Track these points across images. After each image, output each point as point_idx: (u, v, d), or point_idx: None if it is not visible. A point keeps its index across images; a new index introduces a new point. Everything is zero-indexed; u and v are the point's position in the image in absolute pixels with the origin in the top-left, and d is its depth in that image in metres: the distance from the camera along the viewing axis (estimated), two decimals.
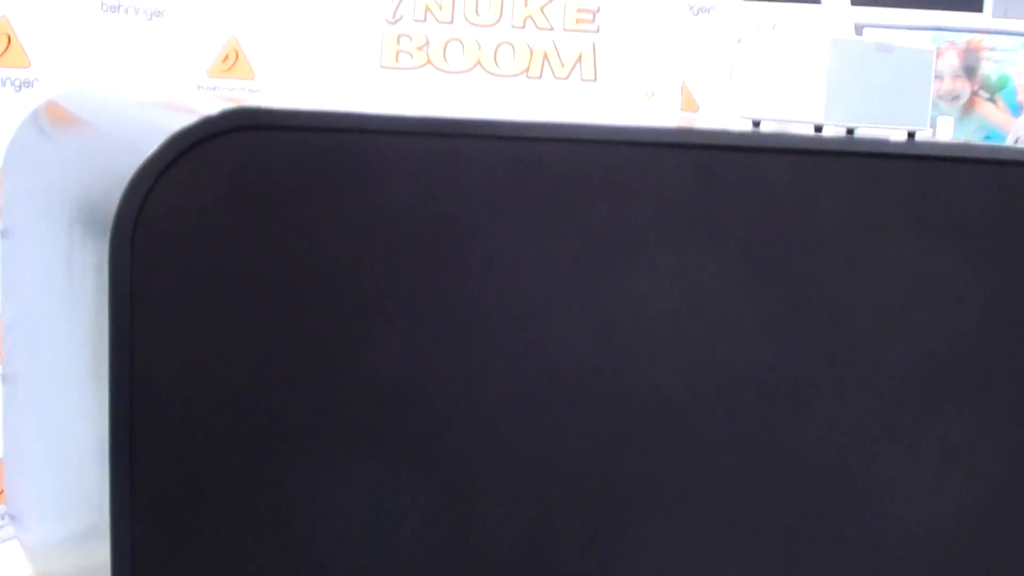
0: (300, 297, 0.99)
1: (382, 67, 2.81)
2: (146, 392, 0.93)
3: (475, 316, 1.07)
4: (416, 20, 2.76)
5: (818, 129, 1.57)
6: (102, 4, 2.46)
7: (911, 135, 1.64)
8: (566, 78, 2.77)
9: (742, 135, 1.24)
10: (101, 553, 1.26)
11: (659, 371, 1.18)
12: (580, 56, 2.77)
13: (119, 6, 2.48)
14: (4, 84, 2.23)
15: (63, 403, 1.28)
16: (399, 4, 2.77)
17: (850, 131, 1.57)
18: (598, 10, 2.78)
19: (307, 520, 1.03)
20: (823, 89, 1.55)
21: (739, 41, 3.05)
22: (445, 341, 1.06)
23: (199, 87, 2.73)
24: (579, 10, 2.79)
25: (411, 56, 2.77)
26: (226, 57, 2.78)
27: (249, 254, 0.96)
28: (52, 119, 1.55)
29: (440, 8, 2.77)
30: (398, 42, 2.78)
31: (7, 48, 2.22)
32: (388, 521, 1.06)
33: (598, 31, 2.77)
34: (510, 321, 1.08)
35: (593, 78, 2.78)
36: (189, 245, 0.92)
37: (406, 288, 1.05)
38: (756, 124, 1.63)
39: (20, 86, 2.26)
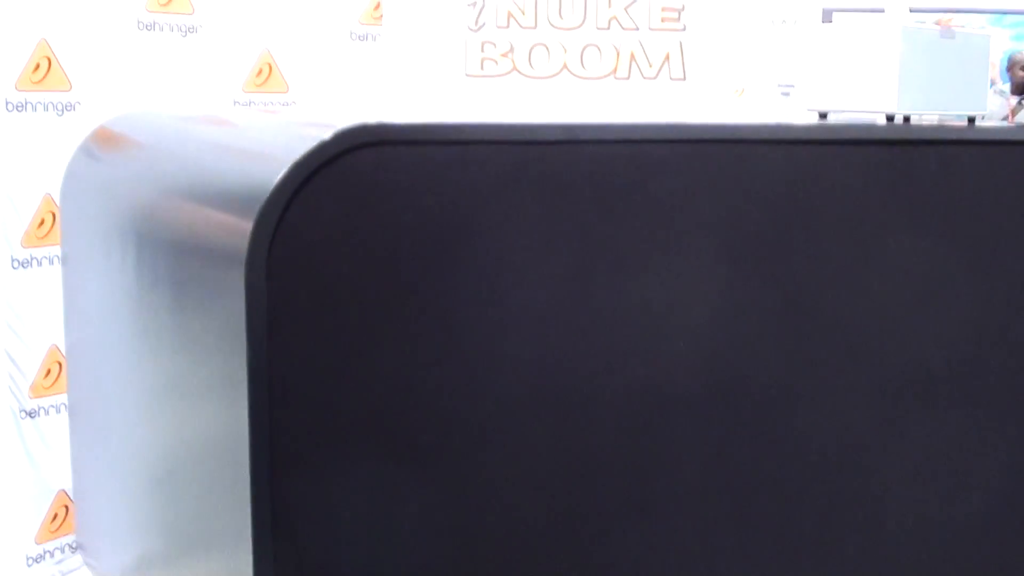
0: (440, 305, 0.99)
1: (467, 75, 2.78)
2: (285, 409, 0.91)
3: (612, 320, 1.07)
4: (499, 27, 2.73)
5: (890, 119, 1.53)
6: (138, 23, 2.44)
7: (971, 120, 1.61)
8: (655, 78, 2.73)
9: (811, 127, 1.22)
10: None
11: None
12: (667, 55, 2.73)
13: (154, 24, 2.47)
14: (48, 108, 2.21)
15: (131, 431, 1.26)
16: (481, 11, 2.74)
17: (906, 119, 1.54)
18: (683, 8, 2.75)
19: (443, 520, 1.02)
20: (895, 77, 1.52)
21: (786, 22, 3.03)
22: (580, 340, 1.06)
23: (236, 102, 2.71)
24: (664, 9, 2.76)
25: (496, 63, 2.74)
26: (260, 71, 2.77)
27: (385, 267, 0.95)
28: (105, 144, 1.53)
29: (523, 13, 2.74)
30: (482, 49, 2.75)
31: (48, 72, 2.20)
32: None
33: (684, 29, 2.73)
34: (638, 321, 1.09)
35: (682, 77, 2.75)
36: (325, 261, 0.91)
37: (540, 295, 1.05)
38: (823, 116, 1.60)
39: (63, 110, 2.24)
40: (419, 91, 2.74)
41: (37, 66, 2.20)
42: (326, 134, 0.89)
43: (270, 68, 2.78)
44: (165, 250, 1.07)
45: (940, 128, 1.40)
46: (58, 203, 1.68)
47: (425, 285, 0.96)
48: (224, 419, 0.97)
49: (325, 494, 0.95)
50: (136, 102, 2.27)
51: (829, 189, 1.18)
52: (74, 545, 1.59)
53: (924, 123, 1.55)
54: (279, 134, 1.01)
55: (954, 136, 1.30)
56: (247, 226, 0.87)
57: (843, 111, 1.58)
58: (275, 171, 0.87)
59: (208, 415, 1.02)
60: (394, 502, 0.98)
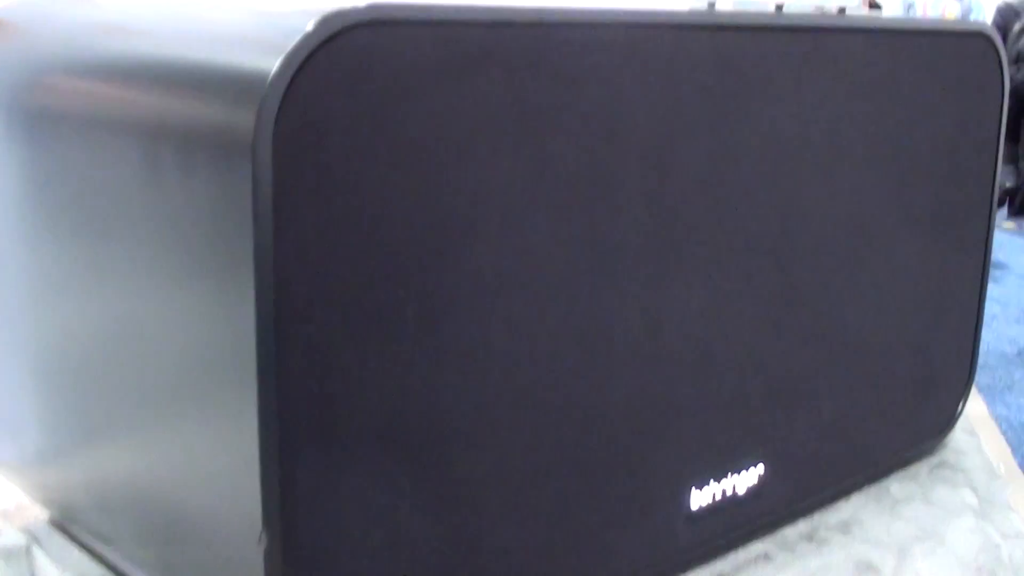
0: (449, 187, 0.98)
1: None
2: (290, 294, 0.89)
3: (614, 207, 1.09)
4: None
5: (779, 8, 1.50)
6: None
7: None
8: None
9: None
10: (79, 462, 1.22)
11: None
12: None
13: None
14: None
15: (54, 318, 1.21)
16: None
17: (779, 7, 1.53)
18: None
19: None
20: None
21: None
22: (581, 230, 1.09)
23: None
24: None
25: None
26: None
27: (389, 151, 0.93)
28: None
29: None
30: None
31: None
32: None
33: None
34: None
35: None
36: (328, 143, 0.88)
37: (559, 184, 1.05)
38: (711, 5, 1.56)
39: None
40: None
41: None
42: (318, 16, 0.86)
43: None
44: (122, 136, 1.02)
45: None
46: None
47: (427, 162, 0.96)
48: (205, 307, 0.95)
49: (334, 375, 0.93)
50: None
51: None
52: None
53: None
54: (252, 19, 0.99)
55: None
56: (250, 111, 0.84)
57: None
58: (273, 52, 0.85)
59: (177, 304, 0.99)
60: (405, 375, 0.98)
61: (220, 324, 0.93)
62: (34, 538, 1.36)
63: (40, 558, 1.32)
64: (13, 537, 1.37)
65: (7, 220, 1.25)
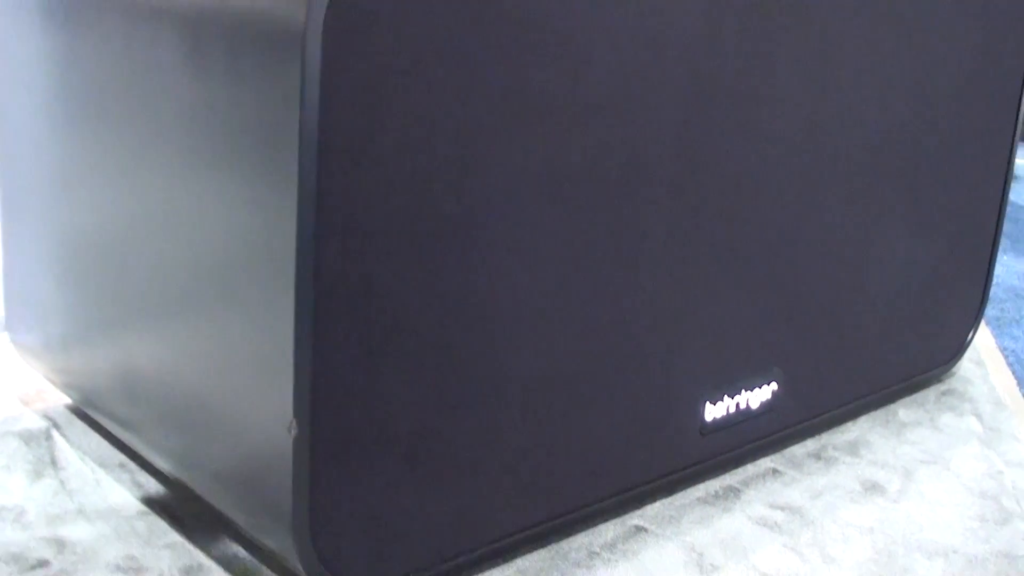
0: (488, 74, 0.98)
1: None
2: (331, 188, 0.89)
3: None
4: None
5: None
6: None
7: None
8: None
9: None
10: (104, 347, 1.24)
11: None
12: None
13: None
14: None
15: (81, 203, 1.22)
16: None
17: None
18: None
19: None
20: None
21: None
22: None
23: None
24: None
25: None
26: None
27: (437, 45, 0.93)
28: None
29: None
30: None
31: None
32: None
33: None
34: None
35: None
36: (378, 37, 0.89)
37: (600, 90, 1.07)
38: None
39: None
40: None
41: None
42: None
43: None
44: (166, 23, 1.02)
45: None
46: None
47: (473, 59, 0.97)
48: (245, 196, 0.95)
49: (371, 267, 0.94)
50: None
51: None
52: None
53: None
54: None
55: None
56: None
57: None
58: None
59: (215, 192, 1.00)
60: (439, 270, 0.99)
61: (260, 213, 0.93)
62: (54, 423, 1.38)
63: (60, 442, 1.33)
64: (34, 421, 1.39)
65: (41, 106, 1.25)
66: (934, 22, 1.42)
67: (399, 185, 0.93)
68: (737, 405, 1.32)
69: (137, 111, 1.08)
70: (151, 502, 1.21)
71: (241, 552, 1.14)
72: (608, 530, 1.22)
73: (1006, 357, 1.97)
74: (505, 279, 1.04)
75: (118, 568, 1.10)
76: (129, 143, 1.10)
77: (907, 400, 1.64)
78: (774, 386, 1.36)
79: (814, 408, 1.46)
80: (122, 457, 1.30)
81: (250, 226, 0.95)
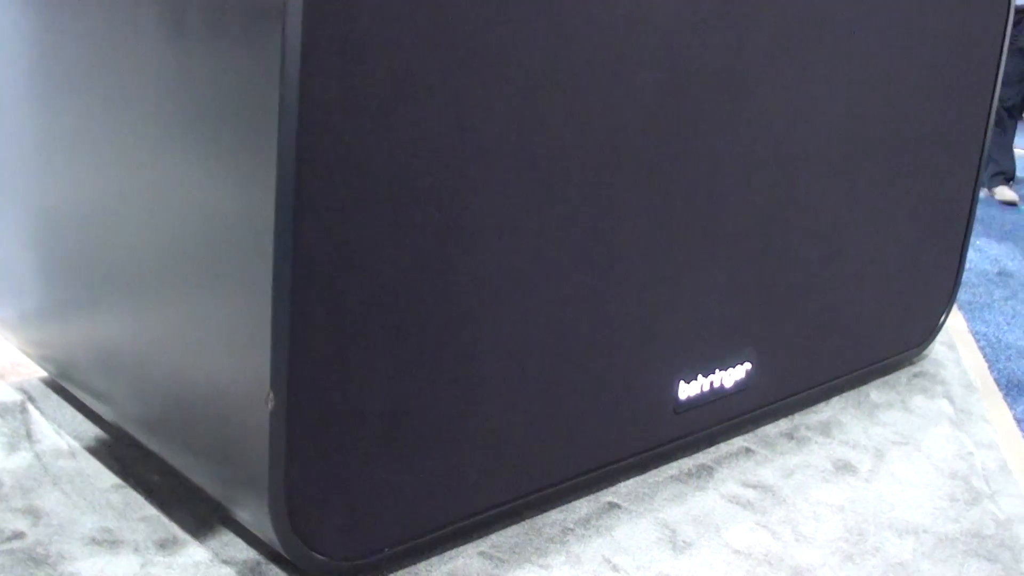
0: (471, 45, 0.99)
1: None
2: (311, 162, 0.90)
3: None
4: None
5: None
6: None
7: None
8: None
9: None
10: (81, 321, 1.24)
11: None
12: None
13: None
14: None
15: (57, 174, 1.21)
16: None
17: None
18: None
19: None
20: None
21: None
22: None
23: None
24: None
25: None
26: None
27: (419, 17, 0.94)
28: None
29: None
30: None
31: None
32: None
33: None
34: None
35: None
36: (359, 9, 0.89)
37: (583, 65, 1.08)
38: None
39: None
40: None
41: None
42: None
43: None
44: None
45: None
46: None
47: (456, 30, 0.97)
48: (224, 170, 0.95)
49: (349, 242, 0.95)
50: None
51: None
52: None
53: None
54: None
55: None
56: None
57: None
58: None
59: (194, 166, 1.00)
60: (418, 247, 1.00)
61: (239, 188, 0.93)
62: (29, 396, 1.38)
63: (35, 415, 1.33)
64: (8, 394, 1.38)
65: (19, 80, 1.24)
66: (912, 13, 1.43)
67: (377, 162, 0.93)
68: (711, 384, 1.33)
69: (117, 87, 1.07)
70: (126, 475, 1.22)
71: (216, 525, 1.14)
72: (582, 506, 1.23)
73: (977, 341, 1.99)
74: (482, 257, 1.04)
75: (93, 540, 1.10)
76: (108, 119, 1.10)
77: (879, 382, 1.65)
78: (748, 366, 1.37)
79: (787, 388, 1.47)
80: (97, 430, 1.30)
81: (229, 200, 0.95)
